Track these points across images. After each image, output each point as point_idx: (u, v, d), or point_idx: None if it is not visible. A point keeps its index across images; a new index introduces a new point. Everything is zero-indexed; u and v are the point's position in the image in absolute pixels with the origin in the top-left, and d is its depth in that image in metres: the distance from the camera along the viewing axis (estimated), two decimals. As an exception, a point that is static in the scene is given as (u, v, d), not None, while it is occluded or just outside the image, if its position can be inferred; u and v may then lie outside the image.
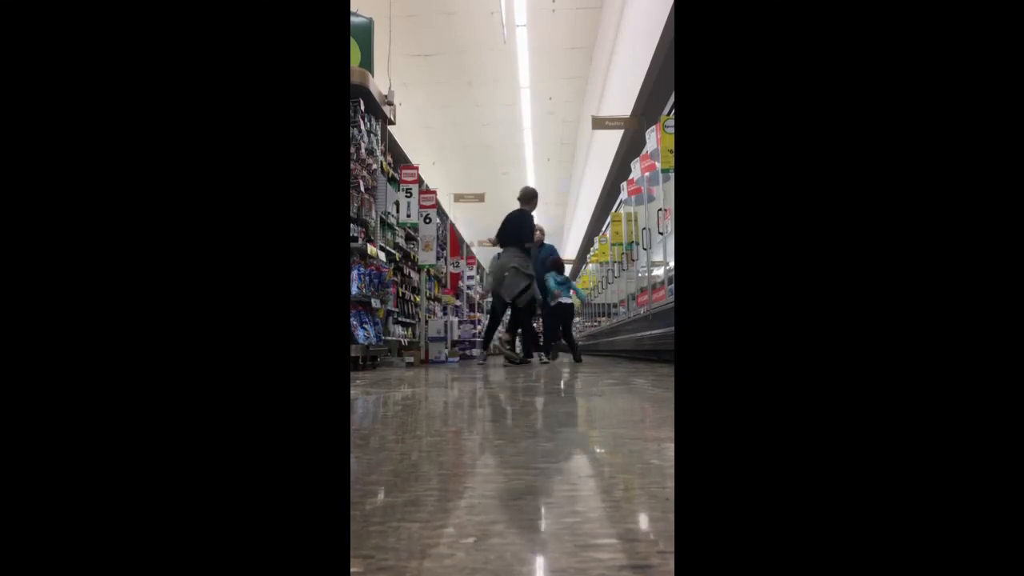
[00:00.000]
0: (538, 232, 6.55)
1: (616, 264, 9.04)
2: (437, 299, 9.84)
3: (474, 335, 10.52)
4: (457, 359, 7.94)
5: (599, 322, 12.12)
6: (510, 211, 6.13)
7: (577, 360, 6.56)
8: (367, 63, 6.08)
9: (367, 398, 2.41)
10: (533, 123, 15.43)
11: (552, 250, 7.33)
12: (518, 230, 5.98)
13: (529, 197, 6.20)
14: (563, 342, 7.02)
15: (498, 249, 6.12)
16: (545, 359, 6.28)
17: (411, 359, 7.03)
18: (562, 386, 3.00)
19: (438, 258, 9.28)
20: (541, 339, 7.35)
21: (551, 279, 6.93)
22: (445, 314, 9.82)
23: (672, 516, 0.70)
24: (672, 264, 5.99)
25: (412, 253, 8.07)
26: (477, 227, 18.25)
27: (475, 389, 3.01)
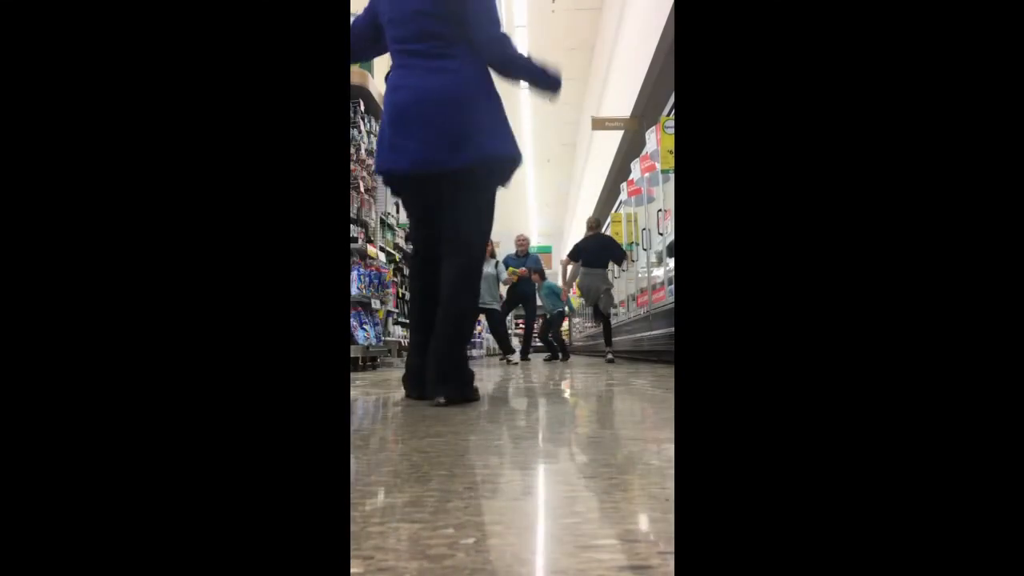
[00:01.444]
0: (507, 242, 7.11)
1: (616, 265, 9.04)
2: (437, 300, 9.81)
3: (474, 335, 10.50)
4: None
5: (599, 322, 12.13)
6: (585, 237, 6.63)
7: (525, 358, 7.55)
8: (367, 64, 6.08)
9: (367, 399, 2.41)
10: (533, 124, 15.41)
11: (537, 260, 7.80)
12: (608, 251, 6.51)
13: (600, 223, 6.84)
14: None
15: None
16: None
17: (411, 359, 7.05)
18: (563, 387, 3.00)
19: (438, 259, 9.28)
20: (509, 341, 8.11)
21: (549, 288, 7.41)
22: (445, 315, 9.79)
23: (672, 516, 0.70)
24: (672, 264, 6.00)
25: (412, 254, 8.07)
26: (477, 228, 18.16)
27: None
